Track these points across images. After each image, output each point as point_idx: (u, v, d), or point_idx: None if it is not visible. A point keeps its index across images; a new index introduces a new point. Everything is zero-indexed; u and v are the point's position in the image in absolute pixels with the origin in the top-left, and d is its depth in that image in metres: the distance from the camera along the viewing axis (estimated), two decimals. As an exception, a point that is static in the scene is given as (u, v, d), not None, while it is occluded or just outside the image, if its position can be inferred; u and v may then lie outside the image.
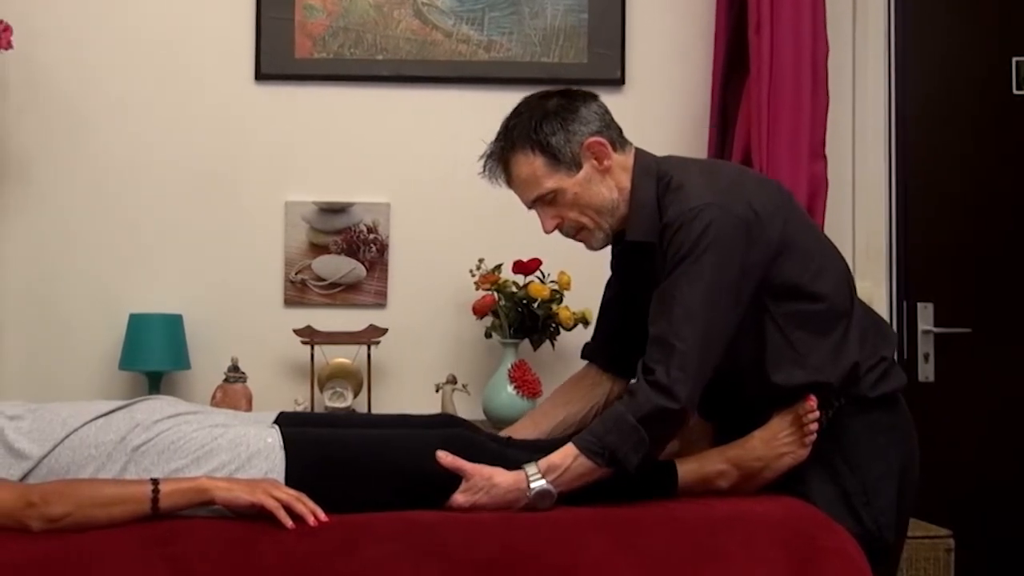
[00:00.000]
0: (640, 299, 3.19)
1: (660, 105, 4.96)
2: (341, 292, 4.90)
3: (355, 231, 4.87)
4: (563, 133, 3.15)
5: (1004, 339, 5.00)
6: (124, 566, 2.59)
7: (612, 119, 3.28)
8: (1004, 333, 5.00)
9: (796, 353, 3.12)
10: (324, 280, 4.88)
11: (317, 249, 4.88)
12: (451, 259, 4.78)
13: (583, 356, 3.65)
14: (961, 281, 5.03)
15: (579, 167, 3.16)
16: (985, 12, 5.10)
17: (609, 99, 4.95)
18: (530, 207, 3.28)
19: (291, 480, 2.83)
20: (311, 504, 2.72)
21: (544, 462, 2.95)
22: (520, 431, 3.47)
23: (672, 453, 3.27)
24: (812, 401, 3.05)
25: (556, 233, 4.69)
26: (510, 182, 3.26)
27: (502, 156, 3.25)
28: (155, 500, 2.68)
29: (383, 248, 4.89)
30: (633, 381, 3.07)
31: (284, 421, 3.13)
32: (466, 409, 4.62)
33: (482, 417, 4.58)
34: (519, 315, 4.63)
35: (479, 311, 4.65)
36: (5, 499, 2.66)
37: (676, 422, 2.99)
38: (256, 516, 2.70)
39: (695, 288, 2.97)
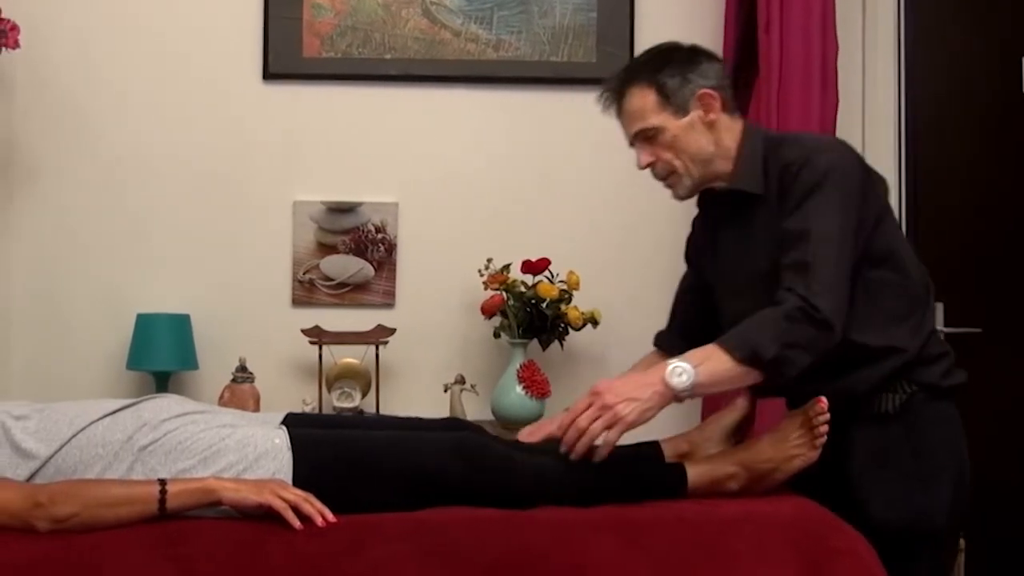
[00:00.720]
0: (717, 285, 3.40)
1: (669, 104, 4.95)
2: (349, 292, 4.90)
3: (363, 231, 4.87)
4: (680, 78, 3.26)
5: (1015, 339, 4.97)
6: (131, 567, 2.58)
7: (729, 84, 3.38)
8: (1015, 333, 4.98)
9: (880, 318, 3.14)
10: (332, 280, 4.88)
11: (325, 249, 4.88)
12: (459, 259, 4.78)
13: (656, 343, 3.64)
14: (971, 281, 5.01)
15: (686, 113, 3.27)
16: (994, 12, 5.08)
17: (618, 98, 4.96)
18: (631, 143, 3.36)
19: (298, 481, 2.81)
20: (319, 505, 2.71)
21: (684, 355, 3.01)
22: None
23: (682, 455, 3.26)
24: (823, 403, 3.04)
25: (566, 232, 4.72)
26: (620, 113, 3.34)
27: (619, 87, 3.33)
28: (162, 501, 2.66)
29: (391, 248, 4.88)
30: None
31: (292, 422, 3.12)
32: (475, 409, 4.62)
33: (491, 417, 4.58)
34: (528, 315, 4.63)
35: (488, 311, 4.64)
36: (12, 499, 2.65)
37: (819, 329, 2.98)
38: (264, 517, 2.68)
39: (828, 217, 3.05)
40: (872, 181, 3.19)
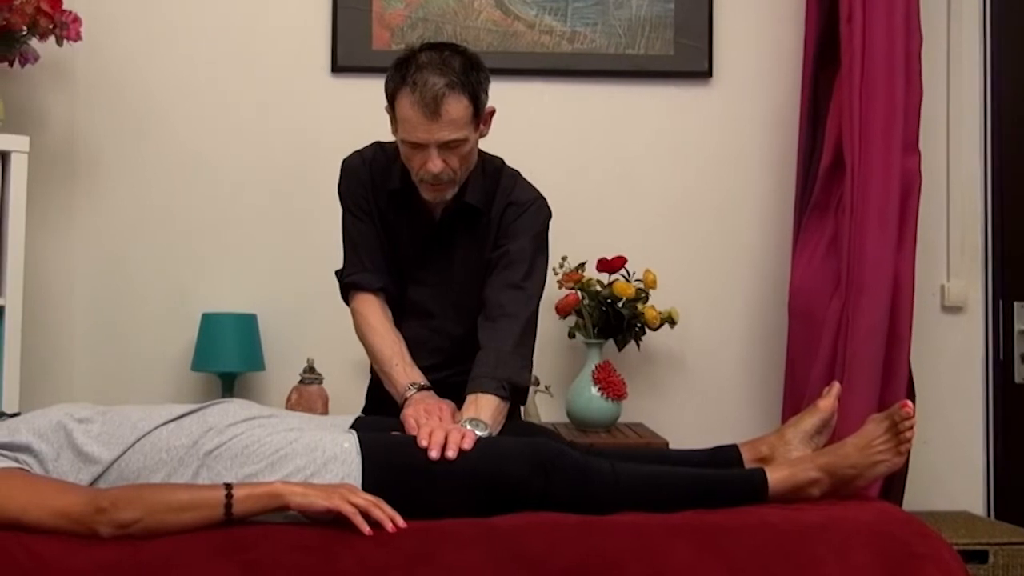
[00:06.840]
0: (413, 255, 3.62)
1: (748, 98, 4.88)
2: (420, 291, 4.83)
3: (434, 228, 4.81)
4: (485, 94, 3.39)
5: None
6: (196, 573, 2.55)
7: None
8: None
9: None
10: (402, 278, 4.82)
11: (395, 246, 4.82)
12: (532, 257, 4.72)
13: (369, 288, 3.65)
14: (1061, 280, 4.93)
15: (478, 127, 3.39)
16: (1084, 0, 4.99)
17: (696, 92, 4.93)
18: (431, 145, 3.32)
19: (368, 486, 2.78)
20: (389, 510, 2.67)
21: (464, 410, 3.23)
22: (414, 375, 3.50)
23: (761, 459, 3.24)
24: (909, 407, 3.03)
25: (643, 229, 4.65)
26: (437, 113, 3.26)
27: (445, 90, 3.27)
28: (228, 506, 2.63)
29: (463, 245, 4.82)
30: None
31: (361, 426, 3.10)
32: (549, 411, 4.57)
33: (565, 419, 4.52)
34: (603, 314, 4.57)
35: (562, 310, 4.58)
36: (75, 504, 2.62)
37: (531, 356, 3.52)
38: (333, 522, 2.65)
39: (541, 276, 3.59)
40: None
